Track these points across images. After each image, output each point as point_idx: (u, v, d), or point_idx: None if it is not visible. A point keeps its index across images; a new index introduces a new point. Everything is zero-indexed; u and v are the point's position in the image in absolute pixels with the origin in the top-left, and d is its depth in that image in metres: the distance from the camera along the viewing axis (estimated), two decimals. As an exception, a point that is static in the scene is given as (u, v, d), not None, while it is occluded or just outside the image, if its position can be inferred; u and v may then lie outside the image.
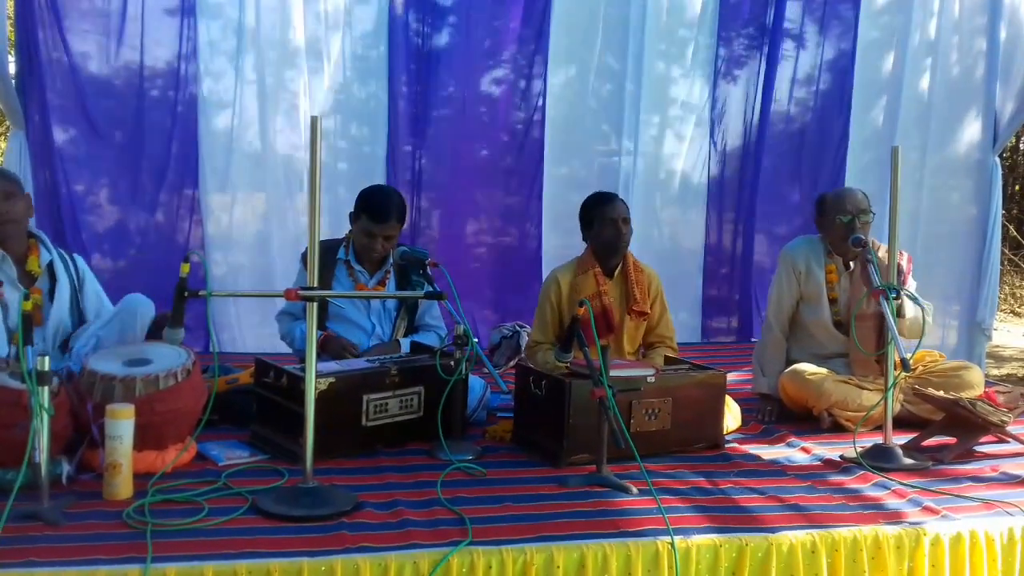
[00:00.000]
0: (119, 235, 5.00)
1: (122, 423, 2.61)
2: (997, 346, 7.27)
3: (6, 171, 3.56)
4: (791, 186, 5.84)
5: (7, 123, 9.31)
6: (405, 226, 3.95)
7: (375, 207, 3.67)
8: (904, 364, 2.98)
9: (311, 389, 2.64)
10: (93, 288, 3.54)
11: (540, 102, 5.45)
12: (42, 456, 2.42)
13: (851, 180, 5.56)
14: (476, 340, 3.20)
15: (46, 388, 2.41)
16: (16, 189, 3.34)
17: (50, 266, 3.38)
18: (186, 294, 2.72)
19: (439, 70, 5.27)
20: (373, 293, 3.75)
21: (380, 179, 5.06)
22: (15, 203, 3.30)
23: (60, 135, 4.80)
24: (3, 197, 3.27)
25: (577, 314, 3.09)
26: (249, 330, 5.10)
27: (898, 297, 3.25)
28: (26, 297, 2.50)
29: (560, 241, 5.42)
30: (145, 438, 2.75)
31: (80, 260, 3.57)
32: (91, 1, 4.77)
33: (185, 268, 2.71)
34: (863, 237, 3.60)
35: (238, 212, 5.18)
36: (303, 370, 2.96)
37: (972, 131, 5.72)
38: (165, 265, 4.98)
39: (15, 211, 3.29)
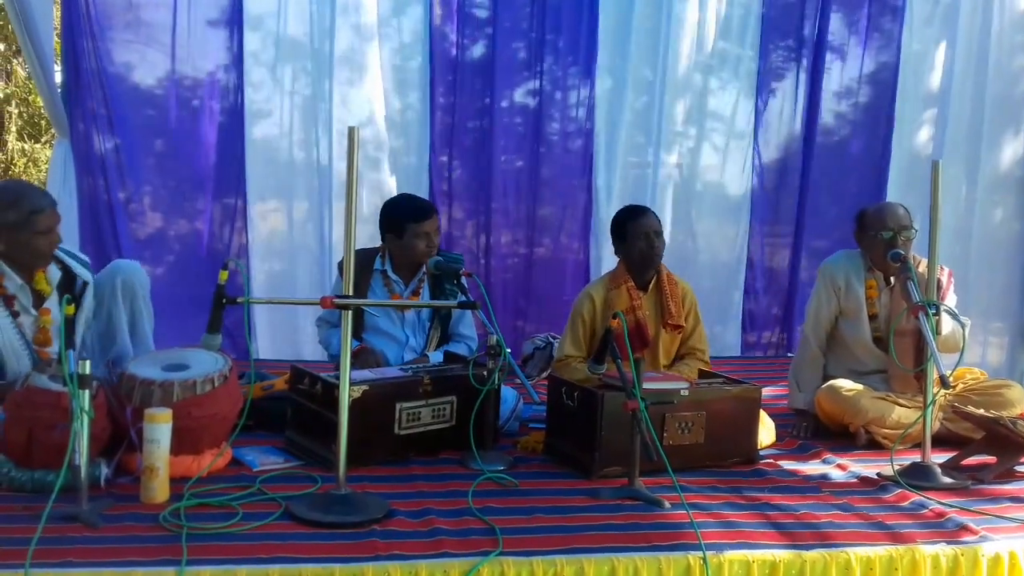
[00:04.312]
0: (160, 242, 5.08)
1: (160, 427, 2.64)
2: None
3: (47, 192, 3.54)
4: (830, 200, 5.77)
5: (52, 131, 9.54)
6: (441, 236, 3.99)
7: (416, 209, 3.74)
8: (944, 381, 2.93)
9: (345, 397, 2.66)
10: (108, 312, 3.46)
11: (576, 113, 5.46)
12: (82, 458, 2.46)
13: (893, 195, 5.50)
14: (509, 351, 3.21)
15: (87, 391, 2.45)
16: (58, 212, 3.27)
17: (64, 284, 3.31)
18: (224, 301, 2.75)
19: (475, 81, 5.29)
20: (406, 302, 3.78)
21: (419, 189, 5.08)
22: (57, 231, 3.24)
23: (103, 144, 4.88)
24: (56, 222, 3.21)
25: (610, 326, 3.08)
26: (285, 337, 5.15)
27: (937, 313, 3.20)
28: (68, 301, 2.54)
29: (596, 253, 5.43)
30: (182, 442, 2.78)
31: (89, 288, 3.41)
32: (135, 12, 4.85)
33: (223, 275, 2.74)
34: (902, 252, 3.55)
35: (277, 221, 5.24)
36: (338, 378, 3.00)
37: (1015, 147, 5.63)
38: (205, 273, 5.07)
39: (58, 239, 3.25)
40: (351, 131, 2.62)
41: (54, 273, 3.32)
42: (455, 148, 5.33)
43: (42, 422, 2.65)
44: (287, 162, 5.13)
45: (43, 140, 9.58)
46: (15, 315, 3.21)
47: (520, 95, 5.41)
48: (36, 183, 9.70)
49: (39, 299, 3.29)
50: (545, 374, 4.65)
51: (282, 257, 5.24)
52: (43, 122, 9.60)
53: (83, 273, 3.39)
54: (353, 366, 3.21)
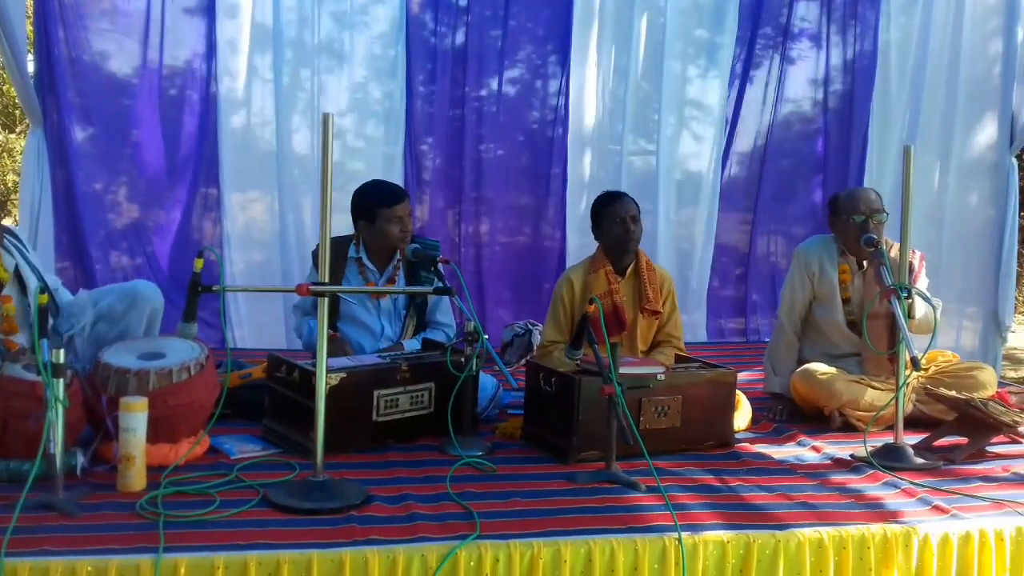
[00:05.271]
0: (137, 233, 5.05)
1: (136, 416, 2.64)
2: (1013, 348, 7.21)
3: None
4: (808, 187, 5.83)
5: (27, 121, 9.44)
6: (420, 224, 3.97)
7: (387, 194, 3.74)
8: (915, 363, 2.97)
9: (322, 384, 2.67)
10: (35, 257, 3.37)
11: (555, 102, 5.47)
12: (57, 447, 2.45)
13: (870, 181, 5.55)
14: (487, 337, 3.22)
15: (61, 380, 2.44)
16: None
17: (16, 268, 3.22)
18: (200, 289, 2.74)
19: (454, 70, 5.29)
20: (383, 288, 3.77)
21: (397, 178, 5.08)
22: None
23: (78, 133, 4.85)
24: None
25: (587, 311, 3.10)
26: (260, 326, 5.14)
27: (909, 296, 3.23)
28: (42, 290, 2.52)
29: (574, 241, 5.44)
30: (158, 431, 2.78)
31: (18, 230, 3.35)
32: (110, 0, 4.82)
33: (199, 263, 2.74)
34: (875, 236, 3.59)
35: (254, 210, 5.23)
36: (315, 365, 3.00)
37: (989, 133, 5.69)
38: (182, 263, 5.05)
39: None
40: (325, 118, 2.62)
41: (8, 260, 3.24)
42: (433, 137, 5.34)
43: (16, 411, 2.64)
44: (264, 151, 5.12)
45: (18, 130, 9.48)
46: None
47: (497, 83, 5.41)
48: (11, 174, 9.63)
49: None
50: (524, 360, 4.66)
51: (260, 247, 5.23)
52: (18, 112, 9.49)
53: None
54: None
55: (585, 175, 5.50)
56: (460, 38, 5.30)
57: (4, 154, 9.40)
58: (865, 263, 3.81)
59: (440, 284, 3.23)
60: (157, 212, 5.07)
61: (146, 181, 5.04)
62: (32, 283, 3.26)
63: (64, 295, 3.46)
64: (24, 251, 3.33)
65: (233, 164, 5.05)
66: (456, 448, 3.09)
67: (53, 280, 3.51)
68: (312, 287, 2.66)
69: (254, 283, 5.13)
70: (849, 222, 3.73)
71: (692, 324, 5.53)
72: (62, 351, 2.45)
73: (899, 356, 3.24)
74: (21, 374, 2.71)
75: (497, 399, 3.66)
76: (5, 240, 3.28)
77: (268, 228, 5.21)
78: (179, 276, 5.03)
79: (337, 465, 2.87)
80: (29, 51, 4.83)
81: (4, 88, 9.33)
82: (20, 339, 3.19)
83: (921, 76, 5.62)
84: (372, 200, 3.73)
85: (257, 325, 5.12)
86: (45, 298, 2.53)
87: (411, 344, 3.73)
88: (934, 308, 3.43)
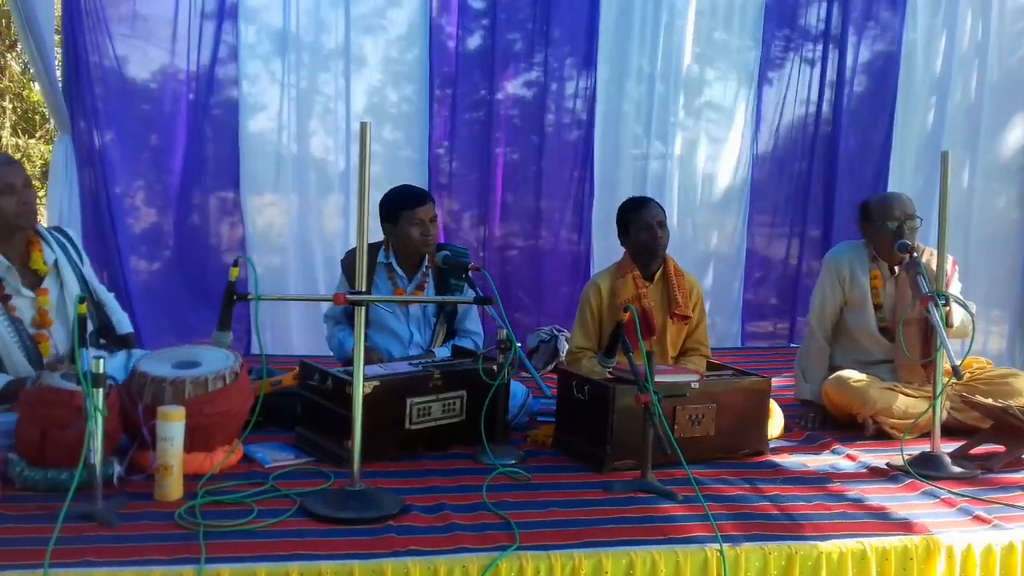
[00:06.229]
0: (155, 237, 5.06)
1: (174, 425, 2.64)
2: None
3: (9, 155, 3.43)
4: (830, 189, 5.79)
5: (46, 126, 9.48)
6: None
7: (410, 196, 3.73)
8: (956, 372, 2.94)
9: (359, 393, 2.66)
10: (89, 267, 3.42)
11: (572, 105, 5.46)
12: (96, 457, 2.45)
13: (893, 184, 5.52)
14: (519, 344, 3.20)
15: (100, 390, 2.44)
16: (28, 176, 3.17)
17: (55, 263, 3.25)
18: (235, 298, 2.74)
19: (471, 73, 5.28)
20: (422, 298, 3.76)
21: (416, 182, 5.05)
22: (32, 191, 3.14)
23: (101, 138, 4.86)
24: (23, 184, 3.11)
25: (621, 319, 3.08)
26: (285, 333, 5.14)
27: (947, 304, 3.21)
28: (80, 300, 2.52)
29: (597, 245, 5.43)
30: (194, 440, 2.77)
31: (73, 234, 3.41)
32: (132, 5, 4.83)
33: (234, 272, 2.73)
34: (909, 243, 3.56)
35: (273, 215, 5.23)
36: (347, 373, 2.99)
37: (1016, 135, 5.66)
38: (200, 267, 5.06)
39: (34, 200, 3.13)
40: (363, 126, 2.62)
41: (49, 254, 3.25)
42: (453, 140, 5.32)
43: (55, 421, 2.63)
44: (282, 156, 5.12)
45: (37, 135, 9.52)
46: (5, 299, 3.14)
47: (517, 87, 5.40)
48: (34, 179, 9.67)
49: (36, 280, 3.22)
50: (550, 367, 4.65)
51: (277, 251, 5.22)
52: (37, 117, 9.54)
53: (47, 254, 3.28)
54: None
55: (602, 178, 5.48)
56: (476, 41, 5.30)
57: (24, 159, 9.43)
58: (897, 269, 3.78)
59: (473, 292, 3.22)
60: (175, 217, 5.08)
61: (164, 186, 5.05)
62: (72, 284, 3.27)
63: (115, 311, 3.49)
64: (77, 259, 3.36)
65: (251, 168, 5.06)
66: (490, 456, 3.08)
67: (107, 296, 3.52)
68: (350, 296, 2.65)
69: (272, 288, 5.11)
70: (882, 228, 3.70)
71: (722, 330, 5.52)
72: (102, 361, 2.45)
73: (936, 363, 3.21)
74: (60, 383, 2.71)
75: (527, 406, 3.65)
76: (50, 235, 3.31)
77: (286, 232, 5.21)
78: (196, 281, 5.04)
79: (371, 473, 2.86)
80: (57, 59, 4.84)
81: (24, 93, 9.38)
82: (55, 334, 3.20)
83: (946, 77, 5.58)
84: (395, 203, 3.73)
85: (277, 331, 5.13)
86: (84, 308, 2.52)
87: (441, 352, 3.71)
88: (972, 315, 3.40)
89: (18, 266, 3.19)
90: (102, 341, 3.39)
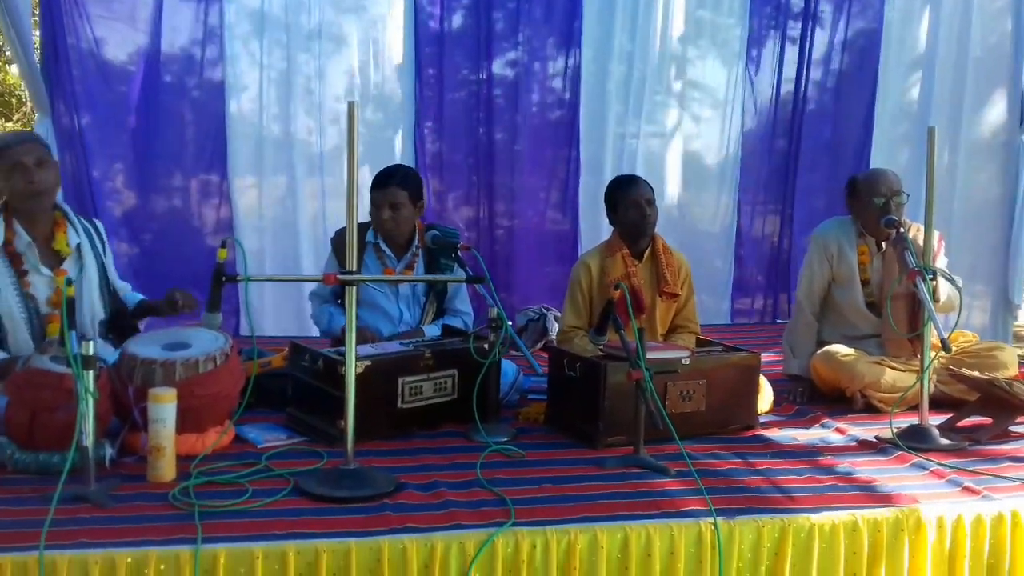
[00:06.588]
0: (136, 220, 5.04)
1: (165, 407, 2.62)
2: (1020, 325, 7.23)
3: (36, 135, 3.43)
4: (815, 166, 5.81)
5: (23, 109, 9.35)
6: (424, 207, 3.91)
7: (377, 176, 3.71)
8: (945, 345, 2.97)
9: (351, 372, 2.65)
10: (111, 260, 3.44)
11: (555, 84, 5.44)
12: (88, 439, 2.43)
13: (876, 160, 5.54)
14: (510, 323, 3.20)
15: (91, 372, 2.42)
16: (47, 156, 3.18)
17: (78, 246, 3.27)
18: (224, 279, 2.72)
19: (453, 53, 5.26)
20: (413, 278, 3.75)
21: (399, 162, 5.05)
22: (47, 171, 3.14)
23: (80, 121, 4.81)
24: (35, 163, 3.10)
25: (612, 297, 3.08)
26: (269, 313, 5.13)
27: (934, 278, 3.23)
28: (68, 282, 2.49)
29: (585, 225, 5.43)
30: (185, 421, 2.76)
31: (102, 228, 3.43)
32: (112, -12, 4.78)
33: (222, 253, 2.72)
34: (896, 218, 3.58)
35: (255, 196, 5.21)
36: (338, 354, 2.99)
37: (998, 111, 5.69)
38: (182, 250, 5.04)
39: (46, 181, 3.13)
40: (351, 106, 2.61)
41: (73, 237, 3.26)
42: (435, 121, 5.31)
43: (45, 403, 2.62)
44: (263, 137, 5.11)
45: (15, 119, 9.40)
46: (22, 274, 3.14)
47: (500, 66, 5.38)
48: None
49: (56, 260, 3.22)
50: (539, 346, 4.66)
51: (259, 233, 5.20)
52: (13, 100, 9.42)
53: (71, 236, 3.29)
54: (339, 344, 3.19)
55: (585, 158, 5.47)
56: (458, 20, 5.27)
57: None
58: (884, 244, 3.81)
59: (463, 271, 3.21)
60: (156, 199, 5.04)
61: (144, 168, 5.02)
62: (92, 270, 3.28)
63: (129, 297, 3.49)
64: (100, 250, 3.36)
65: (231, 150, 5.04)
66: (482, 434, 3.09)
67: (123, 285, 3.53)
68: (340, 276, 2.64)
69: (257, 269, 5.10)
70: (869, 204, 3.71)
71: (707, 307, 5.53)
72: (92, 343, 2.43)
73: (924, 337, 3.23)
74: (49, 366, 2.69)
75: (517, 384, 3.65)
76: (79, 221, 3.31)
77: (269, 214, 5.20)
78: (178, 263, 5.01)
79: (364, 452, 2.85)
80: (35, 41, 4.78)
81: (1, 77, 9.26)
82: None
83: (930, 54, 5.61)
84: (373, 184, 3.72)
85: (264, 311, 5.11)
86: (71, 291, 2.49)
87: (431, 330, 3.71)
88: (959, 289, 3.42)
89: (41, 244, 3.20)
90: (110, 336, 3.39)
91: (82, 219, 3.39)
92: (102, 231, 3.44)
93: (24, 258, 3.15)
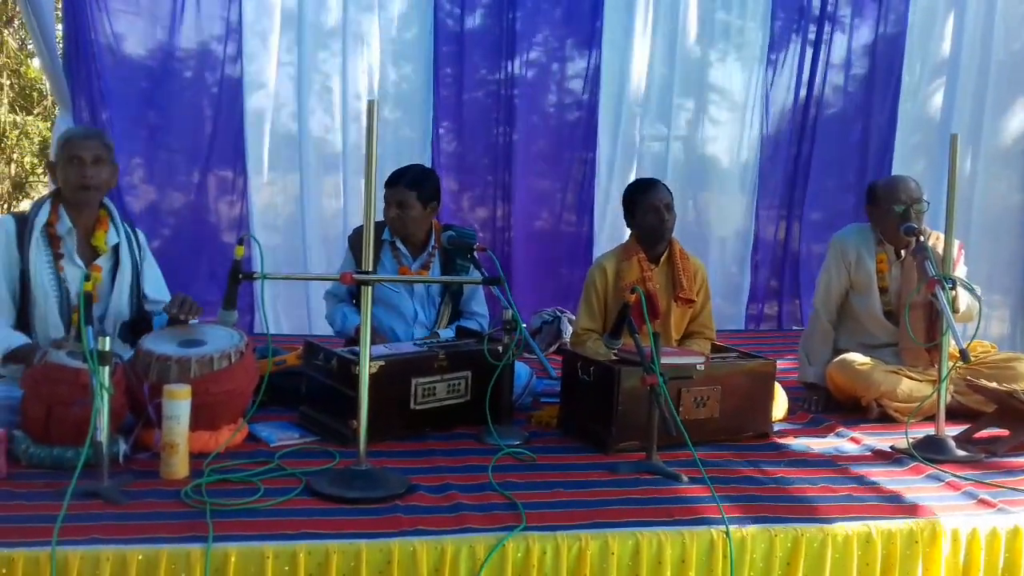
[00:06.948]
0: (154, 215, 5.05)
1: (180, 403, 2.63)
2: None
3: (103, 133, 3.46)
4: (832, 171, 5.77)
5: (44, 103, 9.42)
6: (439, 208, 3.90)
7: (390, 175, 3.70)
8: (964, 355, 2.94)
9: (365, 372, 2.65)
10: (154, 272, 3.45)
11: (573, 85, 5.42)
12: (103, 435, 2.44)
13: (898, 167, 5.50)
14: (524, 325, 3.19)
15: (107, 367, 2.43)
16: (107, 155, 3.22)
17: (116, 247, 3.29)
18: (240, 277, 2.73)
19: (472, 52, 5.25)
20: (429, 278, 3.74)
21: (416, 161, 5.04)
22: (101, 169, 3.19)
23: (100, 115, 4.83)
24: (92, 160, 3.15)
25: (628, 300, 3.07)
26: (280, 311, 5.13)
27: (954, 287, 3.20)
28: (86, 278, 2.51)
29: (600, 227, 5.41)
30: (199, 418, 2.76)
31: (143, 238, 3.47)
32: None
33: (239, 251, 2.73)
34: (916, 226, 3.55)
35: (273, 193, 5.22)
36: (352, 353, 2.99)
37: (1019, 119, 5.63)
38: (197, 245, 5.05)
39: (98, 178, 3.17)
40: (370, 105, 2.61)
41: (112, 236, 3.29)
42: (455, 121, 5.30)
43: (60, 398, 2.63)
44: (282, 134, 5.11)
45: (35, 112, 9.46)
46: (58, 256, 3.18)
47: (518, 67, 5.35)
48: (28, 155, 9.63)
49: (93, 255, 3.26)
50: (553, 348, 4.65)
51: (275, 230, 5.20)
52: (35, 94, 9.48)
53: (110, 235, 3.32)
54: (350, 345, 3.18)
55: (602, 159, 5.45)
56: (477, 20, 5.26)
57: (22, 136, 9.39)
58: (903, 252, 3.78)
59: (479, 273, 3.21)
60: (174, 194, 5.06)
61: (163, 164, 5.03)
62: (127, 271, 3.30)
63: (164, 293, 3.46)
64: (138, 255, 3.38)
65: (250, 147, 5.04)
66: (495, 437, 3.08)
67: (157, 301, 3.40)
68: (356, 275, 2.64)
69: (274, 267, 5.09)
70: (888, 211, 3.68)
71: (722, 313, 5.50)
72: (108, 339, 2.43)
73: (942, 347, 3.21)
74: (65, 361, 2.70)
75: (530, 387, 3.65)
76: (122, 225, 3.34)
77: (284, 211, 5.20)
78: (193, 259, 5.02)
79: (376, 453, 2.85)
80: (57, 35, 4.81)
81: (22, 70, 9.32)
82: (99, 310, 3.22)
83: (954, 60, 5.55)
84: (385, 182, 3.72)
85: (278, 309, 5.12)
86: (90, 286, 2.51)
87: (446, 333, 3.71)
88: (978, 299, 3.39)
89: (80, 236, 3.24)
90: (130, 337, 3.38)
91: (125, 224, 3.42)
92: (143, 240, 3.46)
93: (63, 242, 3.20)
